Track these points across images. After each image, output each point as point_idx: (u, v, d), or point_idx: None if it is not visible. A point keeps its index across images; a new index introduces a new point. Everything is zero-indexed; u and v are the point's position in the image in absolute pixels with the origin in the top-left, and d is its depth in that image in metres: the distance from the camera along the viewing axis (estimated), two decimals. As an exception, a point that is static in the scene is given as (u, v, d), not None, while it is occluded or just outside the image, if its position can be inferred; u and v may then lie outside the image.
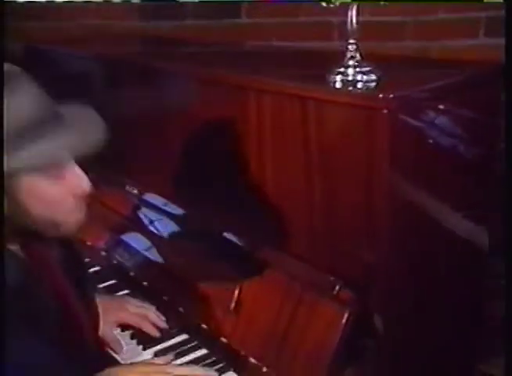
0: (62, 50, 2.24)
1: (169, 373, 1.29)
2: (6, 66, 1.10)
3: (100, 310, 1.49)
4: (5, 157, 1.04)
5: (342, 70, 1.33)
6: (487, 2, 2.01)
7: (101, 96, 2.06)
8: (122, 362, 1.49)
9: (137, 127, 1.92)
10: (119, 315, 1.55)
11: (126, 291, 1.77)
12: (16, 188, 1.09)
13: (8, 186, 1.07)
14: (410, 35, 2.20)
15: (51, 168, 1.11)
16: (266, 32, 2.41)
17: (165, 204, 1.84)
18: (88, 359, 1.29)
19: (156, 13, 2.59)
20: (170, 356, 1.44)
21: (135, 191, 1.95)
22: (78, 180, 1.15)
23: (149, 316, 1.57)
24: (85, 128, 1.14)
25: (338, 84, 1.33)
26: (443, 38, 2.13)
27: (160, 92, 1.83)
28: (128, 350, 1.54)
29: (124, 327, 1.58)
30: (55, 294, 1.24)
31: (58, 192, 1.13)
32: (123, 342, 1.55)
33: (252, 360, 1.43)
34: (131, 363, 1.41)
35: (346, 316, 1.31)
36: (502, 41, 2.01)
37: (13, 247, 1.18)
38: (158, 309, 1.63)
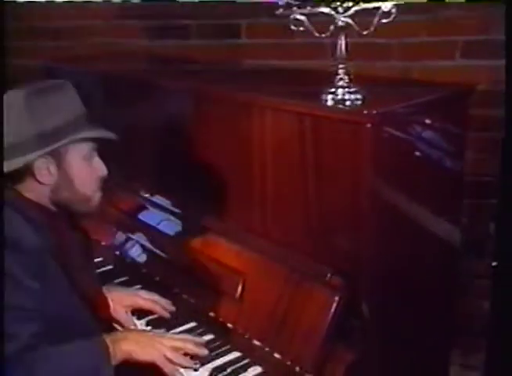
0: (76, 68, 2.39)
1: (164, 345, 1.49)
2: (59, 81, 1.56)
3: (115, 297, 1.74)
4: (67, 137, 1.48)
5: (333, 90, 1.53)
6: (486, 2, 2.12)
7: (106, 112, 2.22)
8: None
9: (146, 140, 2.11)
10: (135, 300, 1.77)
11: (138, 286, 1.93)
12: (69, 164, 1.51)
13: (64, 161, 1.50)
14: (395, 56, 2.40)
15: (87, 154, 1.54)
16: (264, 52, 2.59)
17: (171, 205, 2.02)
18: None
19: (163, 33, 2.78)
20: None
21: (146, 195, 2.12)
22: (100, 167, 1.59)
23: (159, 301, 1.78)
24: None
25: (329, 103, 1.53)
26: (424, 59, 2.33)
27: (167, 108, 2.00)
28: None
29: (138, 313, 1.77)
30: (70, 264, 1.54)
31: (89, 173, 1.56)
32: (139, 327, 1.75)
33: (255, 342, 1.59)
34: (129, 329, 1.70)
35: (337, 299, 1.48)
36: (476, 62, 2.24)
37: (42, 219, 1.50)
38: (170, 300, 1.79)
